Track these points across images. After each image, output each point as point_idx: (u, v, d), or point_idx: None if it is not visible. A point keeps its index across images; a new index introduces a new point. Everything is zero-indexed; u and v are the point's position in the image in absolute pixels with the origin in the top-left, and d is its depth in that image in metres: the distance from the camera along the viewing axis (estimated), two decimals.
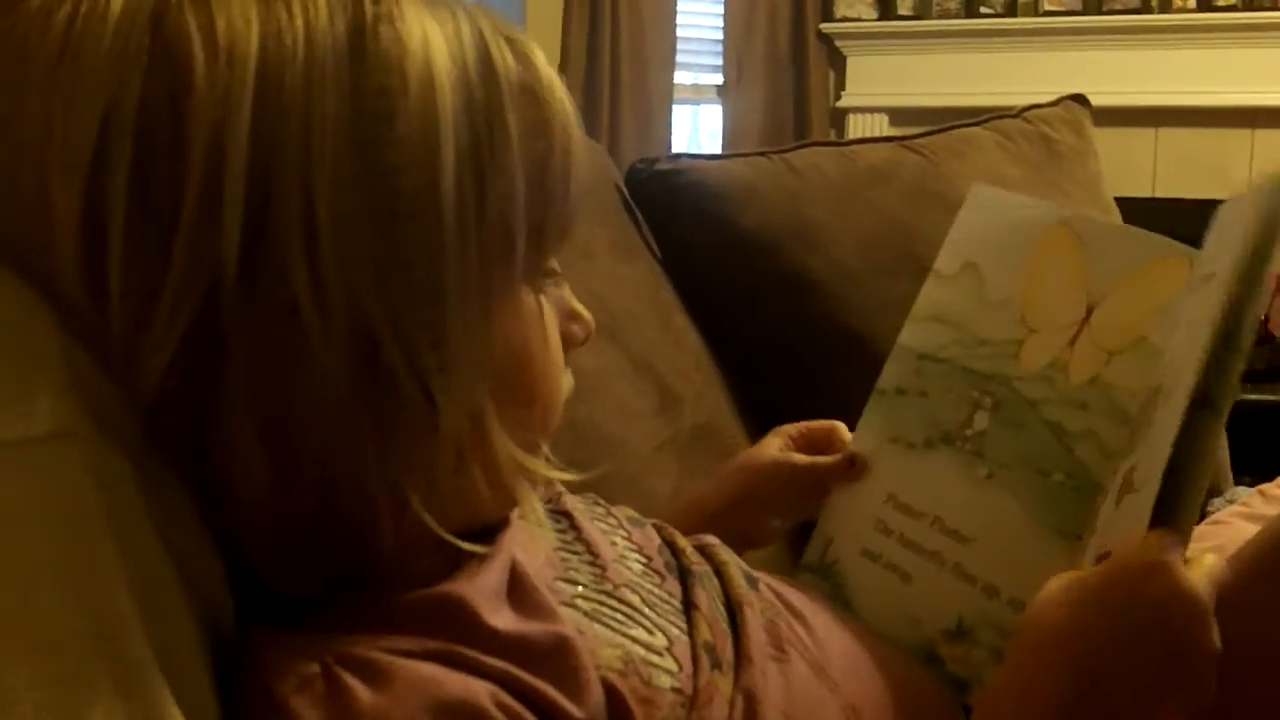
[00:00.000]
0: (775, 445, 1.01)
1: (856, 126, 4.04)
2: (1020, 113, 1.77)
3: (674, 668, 0.68)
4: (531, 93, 0.63)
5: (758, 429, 1.46)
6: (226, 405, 0.56)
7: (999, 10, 3.89)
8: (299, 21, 0.56)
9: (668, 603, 0.74)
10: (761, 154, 1.63)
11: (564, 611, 0.66)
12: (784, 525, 1.03)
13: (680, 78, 4.04)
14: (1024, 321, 0.91)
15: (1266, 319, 2.90)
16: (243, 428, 0.56)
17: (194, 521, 0.58)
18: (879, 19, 4.02)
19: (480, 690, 0.58)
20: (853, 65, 4.07)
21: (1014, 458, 0.88)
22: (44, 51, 0.56)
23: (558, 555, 0.72)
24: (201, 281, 0.55)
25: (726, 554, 0.83)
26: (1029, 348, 0.90)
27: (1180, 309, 0.81)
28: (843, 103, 4.08)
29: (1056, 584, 0.69)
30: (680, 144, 4.21)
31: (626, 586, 0.72)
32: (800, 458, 0.98)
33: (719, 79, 4.11)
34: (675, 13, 3.98)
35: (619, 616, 0.70)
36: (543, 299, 0.66)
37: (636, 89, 3.88)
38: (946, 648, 0.87)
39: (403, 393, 0.57)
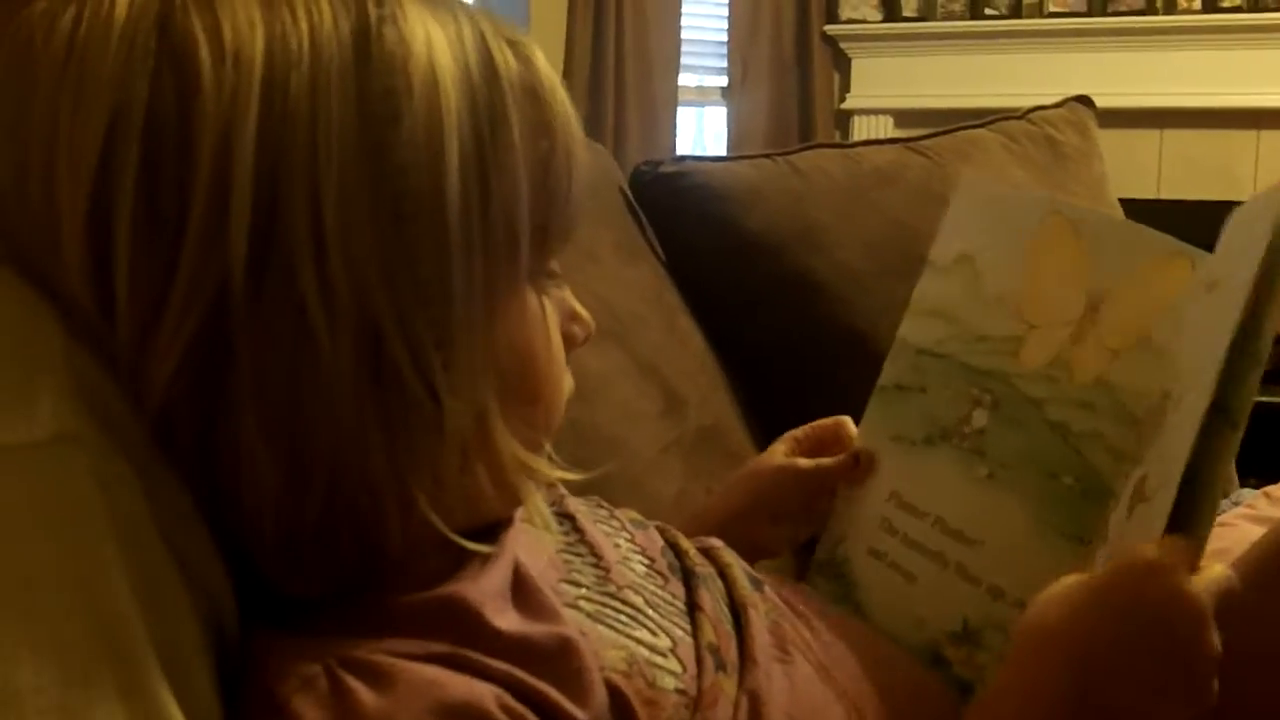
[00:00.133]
0: (780, 451, 1.00)
1: (861, 128, 4.04)
2: (1025, 114, 1.77)
3: (678, 669, 0.68)
4: (533, 93, 0.63)
5: (762, 431, 1.46)
6: (234, 406, 0.56)
7: (1004, 12, 3.89)
8: (303, 24, 0.57)
9: (671, 604, 0.74)
10: (766, 156, 1.63)
11: (567, 613, 0.66)
12: (797, 534, 1.00)
13: (685, 80, 4.04)
14: (1022, 317, 0.90)
15: None
16: (250, 428, 0.56)
17: (197, 524, 0.58)
18: (883, 21, 4.02)
19: (485, 693, 0.58)
20: (857, 67, 4.07)
21: (1016, 458, 0.87)
22: (49, 55, 0.56)
23: (561, 557, 0.72)
24: (209, 283, 0.55)
25: (730, 556, 0.83)
26: (1029, 345, 0.89)
27: (1186, 313, 0.81)
28: (847, 105, 4.08)
29: (1058, 586, 0.69)
30: (685, 146, 4.21)
31: (630, 588, 0.72)
32: (805, 462, 0.98)
33: (724, 81, 4.11)
34: (680, 15, 3.98)
35: (622, 618, 0.70)
36: (545, 300, 0.67)
37: (641, 91, 3.88)
38: (952, 649, 0.87)
39: (409, 391, 0.58)
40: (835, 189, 1.58)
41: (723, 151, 4.07)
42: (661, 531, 0.83)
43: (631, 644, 0.68)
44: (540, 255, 0.65)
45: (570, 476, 0.68)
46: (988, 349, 0.91)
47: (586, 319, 0.71)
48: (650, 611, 0.72)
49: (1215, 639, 0.65)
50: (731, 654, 0.72)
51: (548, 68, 0.65)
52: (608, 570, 0.73)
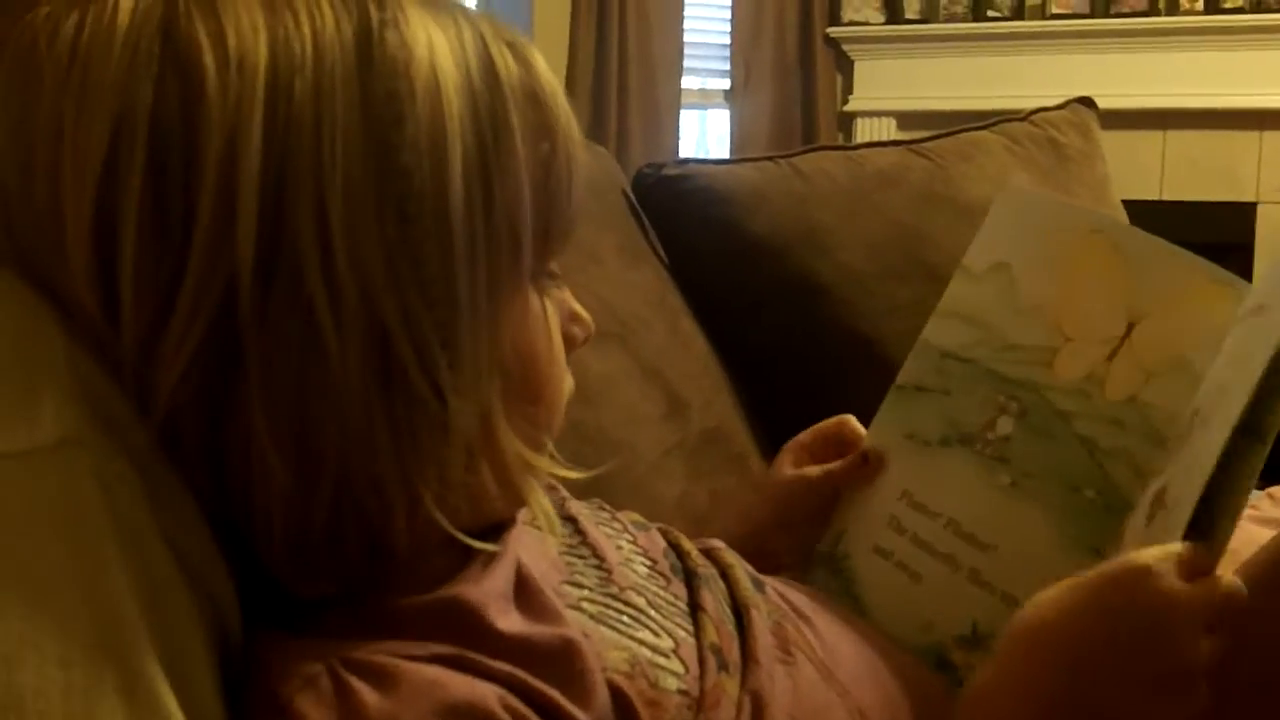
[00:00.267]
0: (788, 462, 1.00)
1: (864, 131, 4.04)
2: (1028, 116, 1.77)
3: (680, 670, 0.69)
4: (534, 96, 0.64)
5: (766, 433, 1.46)
6: (241, 408, 0.57)
7: (1006, 14, 3.89)
8: (306, 29, 0.57)
9: (673, 605, 0.74)
10: (769, 158, 1.63)
11: (570, 614, 0.66)
12: (812, 542, 0.99)
13: (688, 83, 4.04)
14: (1059, 329, 0.89)
15: None
16: (258, 430, 0.57)
17: (200, 527, 0.58)
18: (886, 23, 4.02)
19: (488, 693, 0.58)
20: (860, 69, 4.07)
21: (1041, 469, 0.87)
22: (53, 60, 0.56)
23: (563, 559, 0.73)
24: (216, 287, 0.55)
25: (732, 557, 0.83)
26: (1063, 357, 0.88)
27: (1228, 337, 0.80)
28: (850, 107, 4.08)
29: (1053, 588, 0.70)
30: (688, 149, 4.21)
31: (632, 589, 0.73)
32: (814, 470, 0.97)
33: (726, 84, 4.11)
34: (682, 18, 3.98)
35: (625, 619, 0.70)
36: (546, 300, 0.67)
37: (644, 94, 3.88)
38: (959, 653, 0.86)
39: (415, 391, 0.58)
40: (838, 191, 1.58)
41: (726, 154, 4.07)
42: (664, 533, 0.83)
43: (634, 645, 0.68)
44: (541, 256, 0.65)
45: (573, 474, 0.68)
46: (1019, 358, 0.90)
47: (586, 320, 0.71)
48: (653, 612, 0.72)
49: (1205, 644, 0.66)
50: (734, 654, 0.73)
51: (547, 70, 0.65)
52: (610, 572, 0.73)
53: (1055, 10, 3.83)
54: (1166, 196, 3.75)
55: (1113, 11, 3.76)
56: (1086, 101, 1.83)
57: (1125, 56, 3.68)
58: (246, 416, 0.57)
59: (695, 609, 0.75)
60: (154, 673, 0.51)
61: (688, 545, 0.82)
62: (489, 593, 0.63)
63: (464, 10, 0.63)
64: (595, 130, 3.75)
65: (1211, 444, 0.69)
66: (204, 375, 0.56)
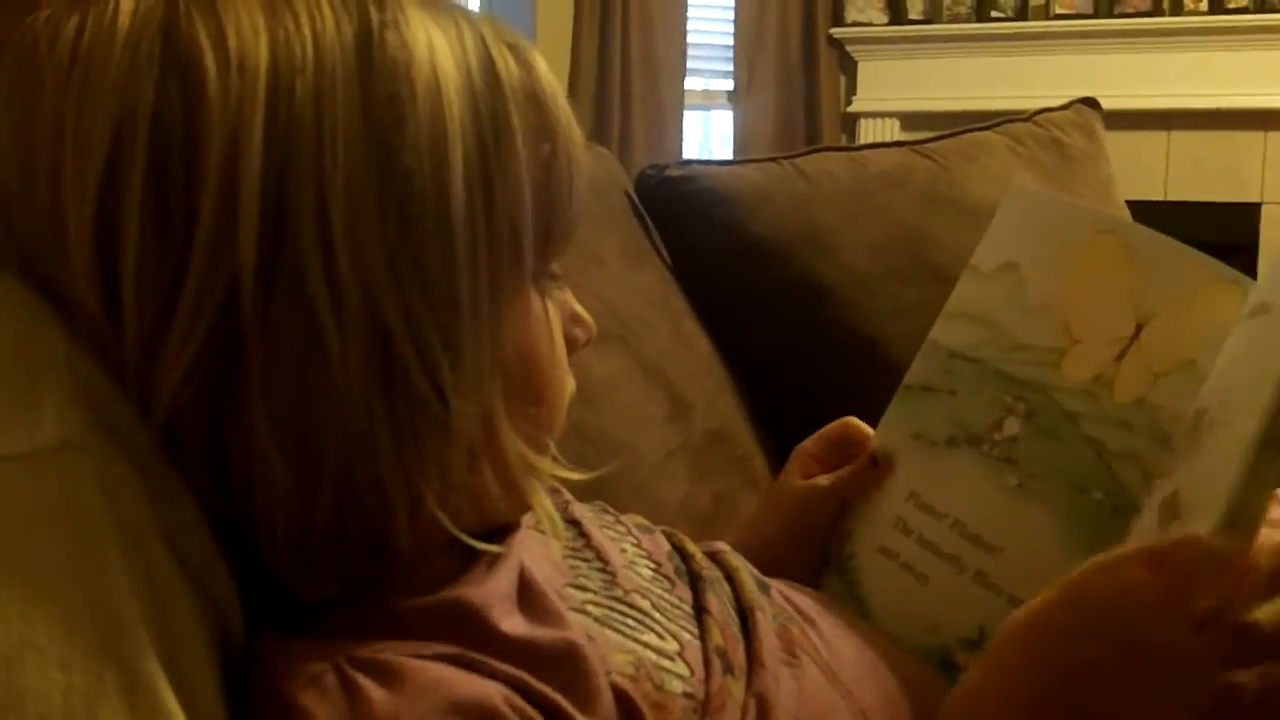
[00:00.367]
0: (796, 472, 0.99)
1: (867, 131, 4.04)
2: (1031, 116, 1.77)
3: (685, 673, 0.68)
4: (534, 97, 0.64)
5: (769, 435, 1.46)
6: (244, 409, 0.57)
7: (1009, 14, 3.89)
8: (306, 30, 0.57)
9: (678, 608, 0.74)
10: (772, 159, 1.63)
11: (574, 617, 0.66)
12: (826, 550, 0.98)
13: (691, 84, 4.05)
14: (1067, 330, 0.88)
15: None
16: (260, 431, 0.57)
17: (202, 529, 0.58)
18: (889, 24, 4.03)
19: (493, 691, 0.58)
20: (863, 70, 4.08)
21: (1049, 470, 0.86)
22: (54, 62, 0.56)
23: (567, 563, 0.72)
24: (218, 288, 0.55)
25: (737, 560, 0.83)
26: (1071, 358, 0.88)
27: (1230, 336, 0.79)
28: (854, 108, 4.08)
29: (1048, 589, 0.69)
30: (691, 150, 4.21)
31: (637, 592, 0.72)
32: (823, 480, 0.96)
33: (730, 85, 4.11)
34: (686, 19, 3.98)
35: (630, 622, 0.70)
36: (548, 301, 0.67)
37: (647, 95, 3.88)
38: (964, 655, 0.86)
39: (417, 392, 0.58)
40: (841, 192, 1.58)
41: (729, 155, 4.08)
42: (668, 536, 0.83)
43: (639, 648, 0.68)
44: (543, 257, 0.65)
45: (575, 476, 0.68)
46: (1027, 358, 0.89)
47: (588, 321, 0.71)
48: (657, 615, 0.72)
49: (1192, 639, 0.63)
50: (739, 657, 0.72)
51: (548, 72, 0.65)
52: (614, 575, 0.73)
53: (1059, 10, 3.83)
54: (1171, 197, 3.75)
55: (1116, 11, 3.76)
56: (1090, 102, 1.83)
57: (1129, 57, 3.68)
58: (248, 417, 0.57)
59: (700, 611, 0.74)
60: (155, 674, 0.50)
61: (692, 548, 0.82)
62: (492, 594, 0.63)
63: (464, 12, 0.63)
64: (598, 131, 3.75)
65: (1231, 454, 0.68)
66: (206, 376, 0.56)
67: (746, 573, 0.81)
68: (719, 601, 0.76)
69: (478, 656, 0.60)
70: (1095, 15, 3.78)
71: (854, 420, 0.99)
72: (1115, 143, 1.82)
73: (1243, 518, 0.66)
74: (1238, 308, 0.81)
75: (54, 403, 0.53)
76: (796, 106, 4.03)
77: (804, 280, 1.53)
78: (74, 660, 0.48)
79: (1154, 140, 3.75)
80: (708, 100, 4.22)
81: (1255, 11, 3.62)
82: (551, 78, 0.65)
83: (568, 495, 0.79)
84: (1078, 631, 0.66)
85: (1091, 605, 0.66)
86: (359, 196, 0.56)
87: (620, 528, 0.81)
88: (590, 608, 0.69)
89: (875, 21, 4.03)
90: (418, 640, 0.60)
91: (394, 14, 0.59)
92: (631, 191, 1.60)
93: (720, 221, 1.55)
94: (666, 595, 0.75)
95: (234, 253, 0.55)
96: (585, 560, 0.74)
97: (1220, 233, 3.36)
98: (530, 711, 0.59)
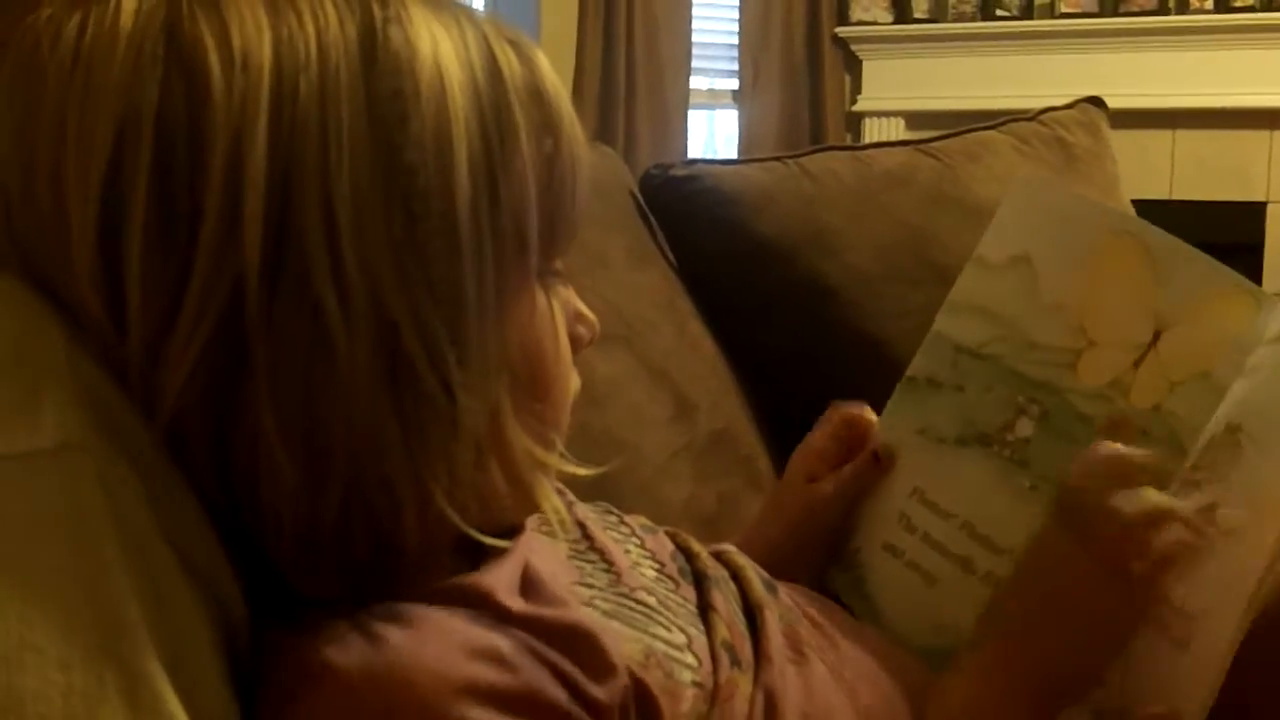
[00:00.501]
0: (799, 472, 0.99)
1: (872, 131, 4.04)
2: (1036, 116, 1.76)
3: (694, 664, 0.69)
4: (537, 94, 0.64)
5: (774, 436, 1.46)
6: (250, 408, 0.57)
7: (1015, 13, 3.89)
8: (309, 27, 0.57)
9: (683, 607, 0.74)
10: (777, 159, 1.62)
11: (583, 610, 0.66)
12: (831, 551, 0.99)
13: (696, 83, 4.04)
14: (1082, 331, 0.87)
15: None
16: (267, 430, 0.56)
17: (206, 529, 0.58)
18: (894, 23, 4.03)
19: (507, 641, 0.59)
20: (868, 69, 4.07)
21: (1063, 473, 0.85)
22: (56, 62, 0.56)
23: (572, 564, 0.72)
24: (223, 288, 0.55)
25: (743, 559, 0.83)
26: (1087, 361, 0.86)
27: (1252, 350, 0.79)
28: (858, 107, 4.08)
29: None
30: (696, 149, 4.21)
31: (642, 589, 0.73)
32: (827, 485, 0.96)
33: (734, 84, 4.11)
34: (690, 18, 3.98)
35: (638, 616, 0.70)
36: (552, 298, 0.67)
37: (652, 95, 3.88)
38: None
39: (424, 388, 0.58)
40: (846, 192, 1.57)
41: (733, 154, 4.08)
42: (671, 536, 0.82)
43: (648, 638, 0.68)
44: (547, 254, 0.65)
45: (581, 471, 0.68)
46: (1041, 358, 0.88)
47: (592, 319, 0.71)
48: (665, 611, 0.72)
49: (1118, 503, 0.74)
50: (746, 652, 0.73)
51: (550, 69, 0.65)
52: (619, 575, 0.73)
53: (1064, 9, 3.83)
54: (1176, 196, 3.75)
55: (1121, 10, 3.75)
56: (1095, 101, 1.82)
57: (1134, 56, 3.68)
58: (254, 416, 0.57)
59: (706, 609, 0.75)
60: (156, 675, 0.50)
61: (697, 547, 0.81)
62: (498, 579, 0.63)
63: (466, 10, 0.63)
64: (603, 131, 3.75)
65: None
66: (211, 376, 0.56)
67: (753, 572, 0.81)
68: (724, 599, 0.76)
69: (489, 619, 0.60)
70: (1100, 14, 3.78)
71: (855, 411, 0.98)
72: (1120, 142, 1.81)
73: None
74: (1250, 317, 0.81)
75: (54, 403, 0.52)
76: (801, 106, 4.03)
77: (809, 281, 1.53)
78: (74, 661, 0.48)
79: (1159, 139, 3.74)
80: (712, 100, 4.21)
81: (1261, 10, 3.61)
82: (553, 75, 0.65)
83: (571, 497, 0.79)
84: (1030, 591, 0.77)
85: (1045, 564, 0.78)
86: (364, 194, 0.56)
87: (624, 528, 0.81)
88: (598, 603, 0.69)
89: (880, 20, 4.03)
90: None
91: (396, 11, 0.59)
92: (636, 191, 1.60)
93: (725, 221, 1.55)
94: (671, 595, 0.75)
95: (239, 251, 0.55)
96: (590, 562, 0.74)
97: (1226, 232, 3.35)
98: (544, 663, 0.59)
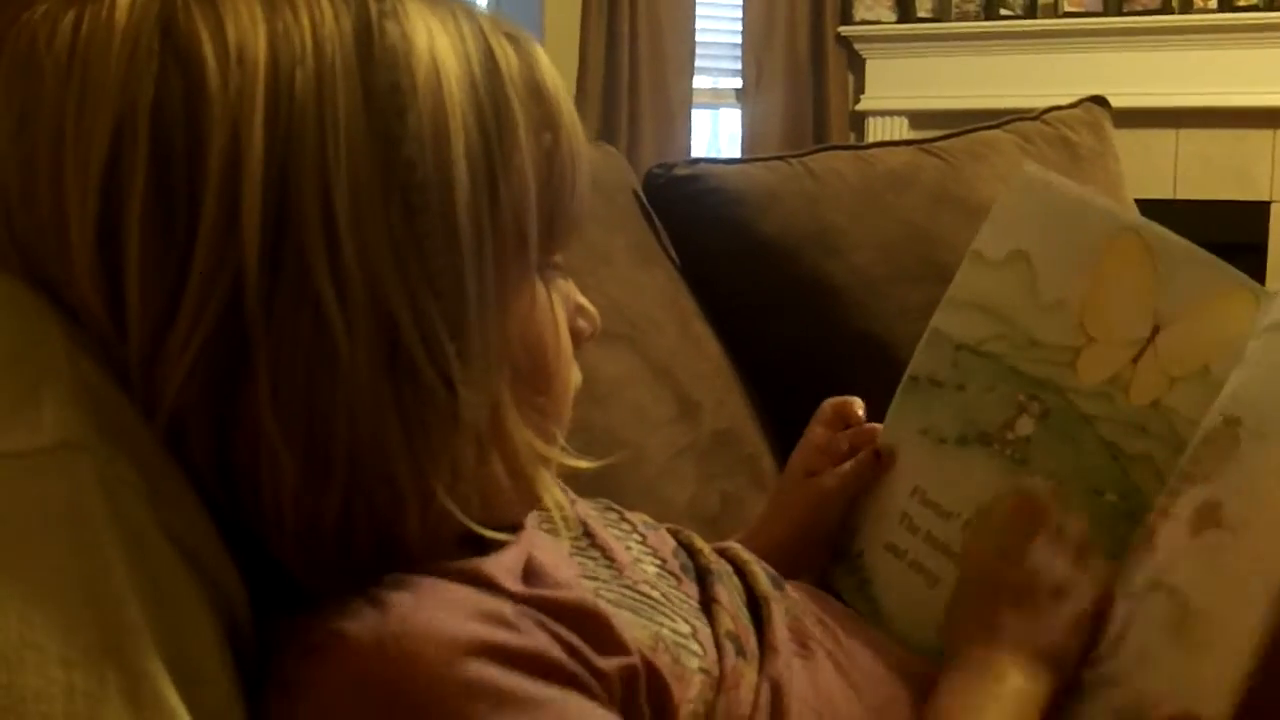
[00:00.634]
0: (800, 468, 0.99)
1: (876, 130, 4.04)
2: (1040, 115, 1.76)
3: (700, 651, 0.69)
4: (535, 88, 0.63)
5: (777, 435, 1.46)
6: (251, 404, 0.56)
7: (1018, 12, 3.88)
8: (305, 21, 0.57)
9: (685, 602, 0.74)
10: (780, 158, 1.62)
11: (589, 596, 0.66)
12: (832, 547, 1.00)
13: (699, 82, 4.04)
14: (1082, 329, 0.87)
15: None
16: (268, 426, 0.56)
17: (207, 525, 0.58)
18: (898, 22, 4.02)
19: (512, 608, 0.60)
20: (872, 68, 4.07)
21: (1064, 472, 0.86)
22: (52, 58, 0.56)
23: (574, 560, 0.72)
24: (223, 283, 0.55)
25: (748, 555, 0.83)
26: (1087, 358, 0.87)
27: (1256, 350, 0.79)
28: (862, 106, 4.08)
29: None
30: (699, 148, 4.21)
31: (645, 583, 0.73)
32: (829, 480, 0.97)
33: (738, 83, 4.11)
34: (694, 17, 3.98)
35: (644, 606, 0.70)
36: (552, 292, 0.67)
37: (655, 94, 3.88)
38: None
39: (424, 382, 0.58)
40: (849, 191, 1.57)
41: (737, 154, 4.07)
42: (673, 533, 0.83)
43: (655, 625, 0.68)
44: (547, 248, 0.65)
45: (583, 464, 0.68)
46: (1041, 356, 0.88)
47: (592, 313, 0.71)
48: (667, 603, 0.72)
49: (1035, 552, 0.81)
50: (751, 644, 0.73)
51: (549, 64, 0.65)
52: (621, 571, 0.73)
53: (1068, 9, 3.82)
54: (1179, 195, 3.74)
55: (1125, 10, 3.75)
56: (1099, 100, 1.82)
57: (1138, 55, 3.67)
58: (254, 413, 0.56)
59: (709, 603, 0.75)
60: (157, 673, 0.50)
61: (699, 543, 0.82)
62: (500, 564, 0.63)
63: (463, 5, 0.63)
64: (606, 130, 3.75)
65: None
66: (211, 372, 0.56)
67: (758, 566, 0.82)
68: (728, 593, 0.76)
69: (494, 593, 0.61)
70: (1104, 13, 3.77)
71: (842, 399, 0.98)
72: (1124, 141, 1.81)
73: None
74: (1251, 315, 0.81)
75: (55, 402, 0.52)
76: (805, 105, 4.03)
77: (812, 280, 1.53)
78: (75, 660, 0.48)
79: (1163, 139, 3.74)
80: (716, 99, 4.21)
81: (1265, 10, 3.61)
82: (553, 70, 0.65)
83: (572, 495, 0.79)
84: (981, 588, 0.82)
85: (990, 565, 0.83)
86: (363, 188, 0.56)
87: (625, 525, 0.81)
88: (604, 593, 0.69)
89: (884, 20, 4.03)
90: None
91: (392, 5, 0.59)
92: (639, 191, 1.60)
93: (728, 221, 1.55)
94: (674, 591, 0.75)
95: (238, 246, 0.55)
96: (592, 558, 0.74)
97: (1229, 232, 3.34)
98: (547, 635, 0.60)
